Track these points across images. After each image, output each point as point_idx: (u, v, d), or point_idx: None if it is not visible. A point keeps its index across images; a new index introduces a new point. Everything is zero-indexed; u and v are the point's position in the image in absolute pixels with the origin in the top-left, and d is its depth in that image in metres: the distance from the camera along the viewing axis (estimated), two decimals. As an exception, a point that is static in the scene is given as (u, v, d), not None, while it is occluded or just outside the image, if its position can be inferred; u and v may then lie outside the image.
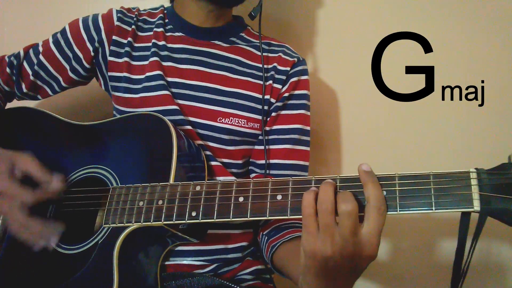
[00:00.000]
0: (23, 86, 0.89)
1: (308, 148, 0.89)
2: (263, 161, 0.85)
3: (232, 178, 0.82)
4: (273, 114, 0.86)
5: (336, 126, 1.12)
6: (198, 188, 0.63)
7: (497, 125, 1.06)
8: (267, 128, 0.86)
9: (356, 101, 1.12)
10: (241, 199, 0.60)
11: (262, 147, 0.85)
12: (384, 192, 0.52)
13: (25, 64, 0.88)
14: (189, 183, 0.64)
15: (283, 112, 0.87)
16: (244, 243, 0.84)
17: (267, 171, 0.86)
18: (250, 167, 0.88)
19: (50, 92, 0.92)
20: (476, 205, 0.48)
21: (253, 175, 0.87)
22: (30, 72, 0.88)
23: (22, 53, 0.89)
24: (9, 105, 0.92)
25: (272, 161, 0.85)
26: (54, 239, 0.68)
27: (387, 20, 1.10)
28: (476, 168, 0.49)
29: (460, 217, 0.51)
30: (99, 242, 0.68)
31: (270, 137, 0.86)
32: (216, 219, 0.61)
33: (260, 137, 0.86)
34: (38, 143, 0.82)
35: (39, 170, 0.68)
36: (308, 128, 0.89)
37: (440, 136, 1.08)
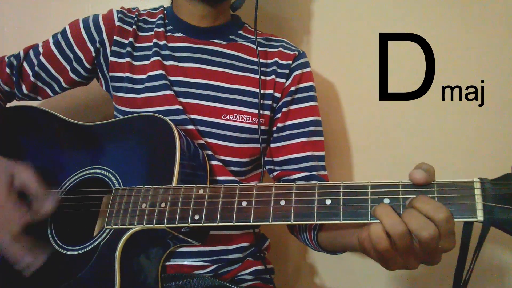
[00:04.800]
0: (24, 87, 0.88)
1: (323, 138, 0.89)
2: (281, 158, 0.86)
3: (235, 180, 0.82)
4: (284, 109, 0.86)
5: (333, 125, 1.12)
6: (201, 191, 0.63)
7: (497, 125, 1.06)
8: (280, 125, 0.86)
9: (353, 100, 1.12)
10: (244, 203, 0.60)
11: (278, 144, 0.86)
12: (388, 200, 0.52)
13: (25, 65, 0.87)
14: (192, 186, 0.65)
15: (294, 106, 0.87)
16: (245, 244, 0.84)
17: (279, 167, 0.86)
18: (268, 166, 0.89)
19: (50, 93, 0.91)
20: (480, 215, 0.48)
21: (275, 173, 0.88)
22: (30, 73, 0.87)
23: (22, 54, 0.88)
24: (9, 105, 0.91)
25: (290, 156, 0.86)
26: (40, 259, 0.68)
27: (386, 20, 1.09)
28: (480, 178, 0.49)
29: (463, 226, 0.51)
30: (101, 243, 0.68)
31: (285, 132, 0.86)
32: (219, 223, 0.60)
33: (275, 135, 0.87)
34: (40, 142, 0.81)
35: (35, 185, 0.67)
36: (320, 118, 0.89)
37: (440, 136, 1.08)
